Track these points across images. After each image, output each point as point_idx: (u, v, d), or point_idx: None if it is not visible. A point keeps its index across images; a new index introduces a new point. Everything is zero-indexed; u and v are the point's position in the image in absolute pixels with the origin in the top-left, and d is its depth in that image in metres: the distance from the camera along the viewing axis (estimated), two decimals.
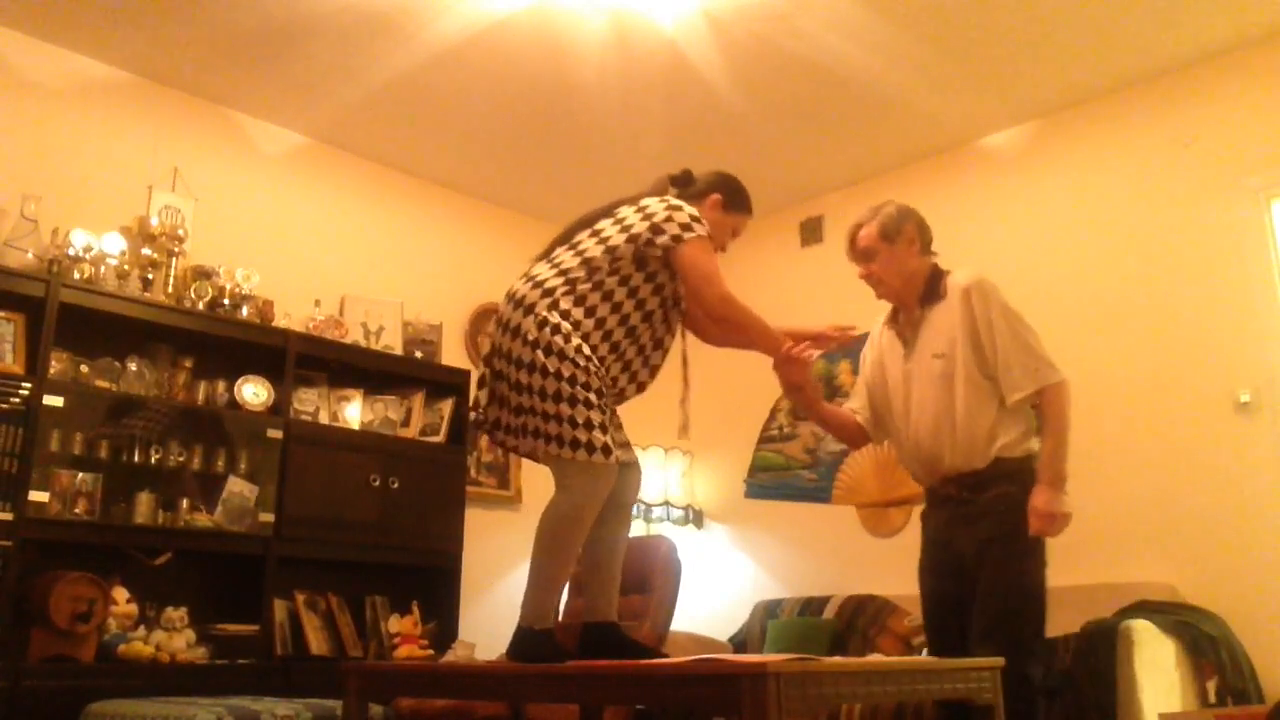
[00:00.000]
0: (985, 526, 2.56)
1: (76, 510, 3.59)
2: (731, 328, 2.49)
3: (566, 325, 2.29)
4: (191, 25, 4.01)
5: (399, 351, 4.84)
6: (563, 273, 2.37)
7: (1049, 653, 3.30)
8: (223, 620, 3.85)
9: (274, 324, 4.32)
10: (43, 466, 3.51)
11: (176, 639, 3.60)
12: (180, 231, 4.19)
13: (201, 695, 3.19)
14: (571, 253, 2.44)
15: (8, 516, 3.39)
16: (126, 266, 3.95)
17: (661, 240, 2.38)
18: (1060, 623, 3.42)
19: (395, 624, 4.23)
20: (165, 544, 3.83)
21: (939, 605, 2.73)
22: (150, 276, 4.06)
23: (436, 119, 4.72)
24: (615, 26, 3.99)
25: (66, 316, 3.68)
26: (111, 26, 4.03)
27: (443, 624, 4.37)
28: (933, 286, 2.75)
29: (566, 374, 2.23)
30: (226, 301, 4.21)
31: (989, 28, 3.99)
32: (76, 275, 3.77)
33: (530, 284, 2.37)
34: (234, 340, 4.15)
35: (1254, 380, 3.85)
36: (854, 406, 2.93)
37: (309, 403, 4.39)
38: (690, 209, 2.48)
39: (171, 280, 4.12)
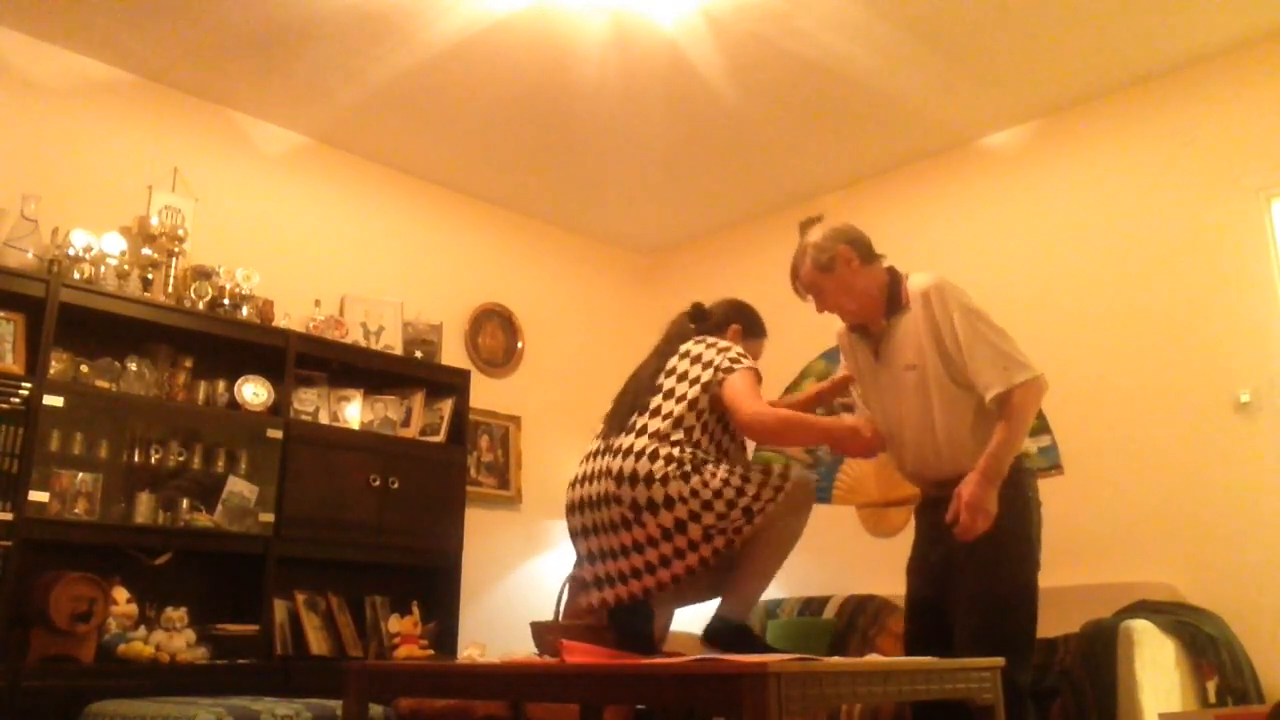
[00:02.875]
0: None
1: (76, 510, 3.59)
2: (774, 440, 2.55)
3: (696, 479, 2.35)
4: (191, 25, 4.01)
5: (399, 351, 4.84)
6: (660, 437, 2.41)
7: (1044, 657, 3.28)
8: (223, 620, 3.85)
9: (274, 324, 4.32)
10: (43, 466, 3.52)
11: (176, 639, 3.60)
12: (180, 231, 4.19)
13: (201, 695, 3.18)
14: (654, 416, 2.46)
15: (8, 516, 3.39)
16: (126, 266, 3.96)
17: (721, 378, 2.47)
18: (1060, 623, 3.42)
19: (395, 624, 4.23)
20: (165, 544, 3.83)
21: (918, 608, 2.70)
22: (150, 276, 4.07)
23: (436, 119, 4.72)
24: (615, 26, 3.99)
25: (66, 316, 3.69)
26: (111, 26, 4.03)
27: (443, 624, 4.38)
28: (894, 296, 2.66)
29: (730, 489, 2.35)
30: (226, 301, 4.22)
31: (989, 28, 3.99)
32: (76, 275, 3.77)
33: (634, 458, 2.37)
34: (234, 340, 4.16)
35: (1254, 380, 3.85)
36: (867, 415, 2.83)
37: (309, 403, 4.39)
38: (738, 348, 2.55)
39: (171, 280, 4.12)
